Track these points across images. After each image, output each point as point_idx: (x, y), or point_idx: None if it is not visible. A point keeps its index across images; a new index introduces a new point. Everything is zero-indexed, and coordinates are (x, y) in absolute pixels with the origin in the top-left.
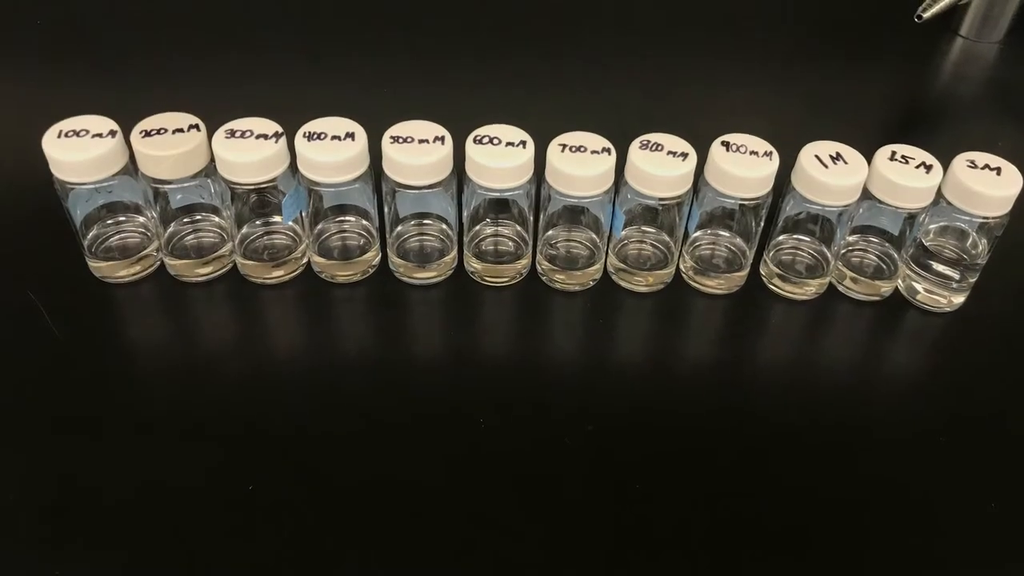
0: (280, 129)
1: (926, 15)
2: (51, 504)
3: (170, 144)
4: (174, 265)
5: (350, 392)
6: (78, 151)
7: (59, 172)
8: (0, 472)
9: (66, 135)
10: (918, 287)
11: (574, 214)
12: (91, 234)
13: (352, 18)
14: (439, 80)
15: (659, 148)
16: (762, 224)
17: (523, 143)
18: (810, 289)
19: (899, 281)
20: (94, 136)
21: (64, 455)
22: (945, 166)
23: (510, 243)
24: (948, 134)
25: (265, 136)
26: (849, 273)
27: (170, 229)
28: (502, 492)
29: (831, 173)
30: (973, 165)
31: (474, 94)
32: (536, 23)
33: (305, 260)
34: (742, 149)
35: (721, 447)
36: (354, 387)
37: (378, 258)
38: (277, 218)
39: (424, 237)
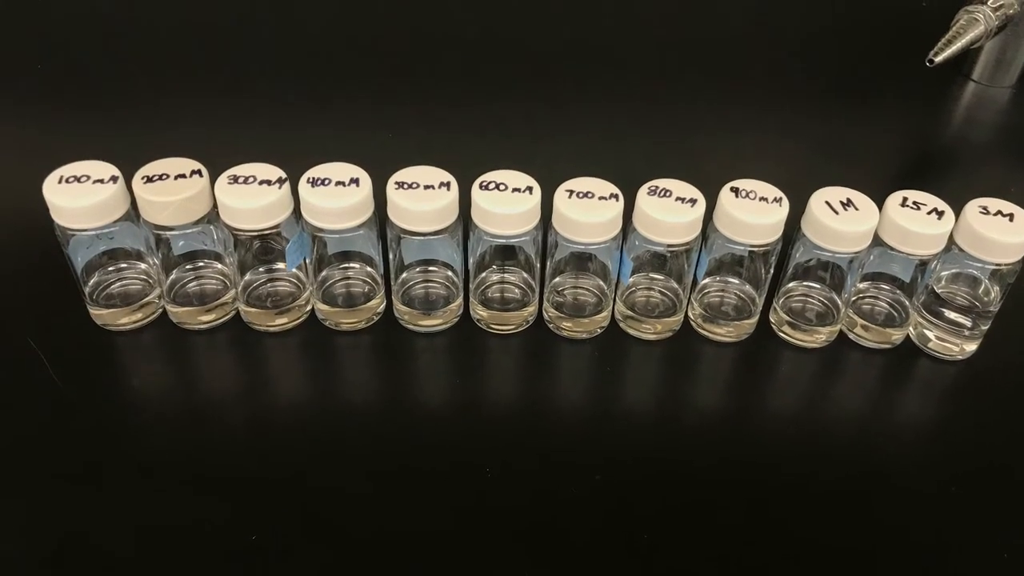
0: (283, 175)
1: (937, 59)
2: (51, 553)
3: (172, 190)
4: (176, 312)
5: (354, 441)
6: (79, 197)
7: (60, 218)
8: (1, 520)
9: (67, 181)
10: (930, 335)
11: (581, 261)
12: (92, 281)
13: (356, 63)
14: (444, 125)
15: (667, 194)
16: (772, 271)
17: (529, 189)
18: (820, 337)
19: (911, 329)
20: (95, 182)
21: (64, 503)
22: (957, 212)
23: (516, 290)
24: (960, 179)
25: (268, 182)
26: (860, 321)
27: (172, 276)
28: (508, 542)
29: (841, 219)
30: (985, 211)
31: (480, 139)
32: (542, 68)
33: (309, 307)
34: (751, 195)
35: (731, 496)
36: (359, 436)
37: (383, 305)
38: (280, 265)
39: (429, 284)
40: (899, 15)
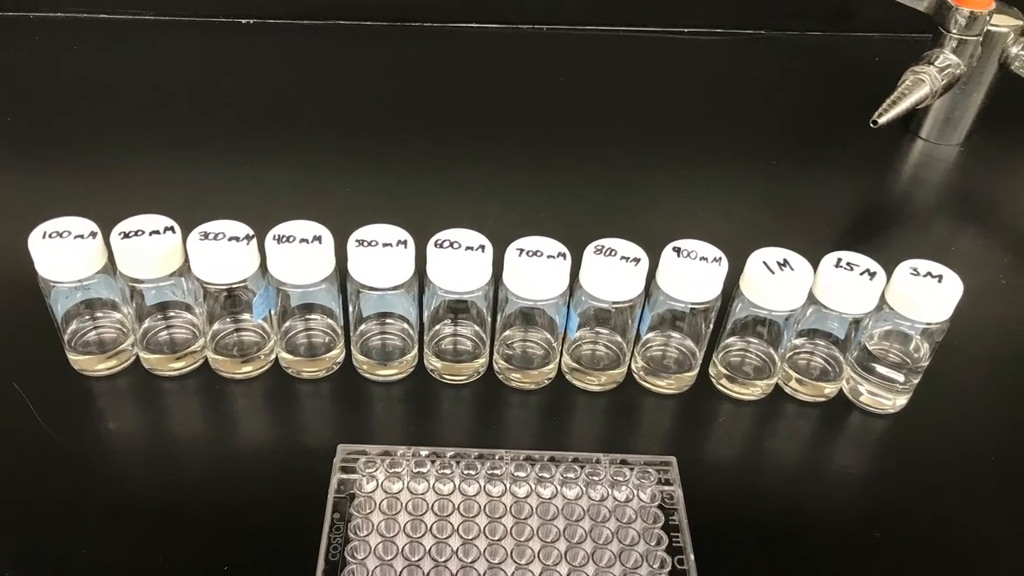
0: (251, 232)
1: (881, 120)
2: None
3: (147, 245)
4: (148, 359)
5: (314, 481)
6: (61, 251)
7: (42, 270)
8: None
9: (50, 236)
10: (862, 389)
11: (530, 315)
12: (71, 329)
13: (322, 128)
14: (402, 185)
15: (613, 253)
16: (711, 326)
17: (482, 247)
18: (757, 390)
19: (844, 383)
20: (76, 237)
21: (46, 535)
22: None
23: (468, 343)
24: (905, 237)
25: (236, 238)
26: (795, 375)
27: (145, 325)
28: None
29: (777, 279)
30: (916, 273)
31: (436, 199)
32: (496, 131)
33: (273, 356)
34: (692, 255)
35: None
36: (318, 477)
37: (342, 355)
38: (247, 316)
39: (386, 336)
40: (850, 73)
